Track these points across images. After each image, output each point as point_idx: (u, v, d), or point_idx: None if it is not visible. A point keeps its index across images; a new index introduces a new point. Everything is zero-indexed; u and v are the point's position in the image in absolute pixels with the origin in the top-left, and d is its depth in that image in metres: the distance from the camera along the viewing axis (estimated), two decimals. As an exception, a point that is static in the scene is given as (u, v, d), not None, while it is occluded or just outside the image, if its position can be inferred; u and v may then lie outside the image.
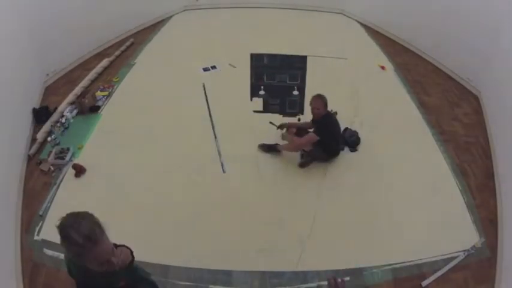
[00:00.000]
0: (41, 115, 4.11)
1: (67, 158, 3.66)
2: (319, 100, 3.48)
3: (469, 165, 3.78)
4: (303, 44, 5.70)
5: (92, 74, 4.84)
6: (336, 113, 3.95)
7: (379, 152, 3.88)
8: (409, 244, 3.06)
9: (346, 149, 3.89)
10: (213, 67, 5.10)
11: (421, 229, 3.17)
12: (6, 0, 3.69)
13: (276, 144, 3.77)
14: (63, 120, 4.08)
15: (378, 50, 5.70)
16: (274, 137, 3.91)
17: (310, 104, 3.55)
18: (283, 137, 3.78)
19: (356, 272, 2.86)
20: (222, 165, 3.68)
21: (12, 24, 3.81)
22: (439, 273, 2.84)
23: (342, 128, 3.99)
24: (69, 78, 4.86)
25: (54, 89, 4.67)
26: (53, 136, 3.89)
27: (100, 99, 4.47)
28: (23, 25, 4.04)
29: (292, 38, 5.85)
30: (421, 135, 4.12)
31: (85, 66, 5.10)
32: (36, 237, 3.03)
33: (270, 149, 3.78)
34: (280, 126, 3.87)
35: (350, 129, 4.02)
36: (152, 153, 3.78)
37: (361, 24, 6.40)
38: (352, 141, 3.90)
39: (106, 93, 4.59)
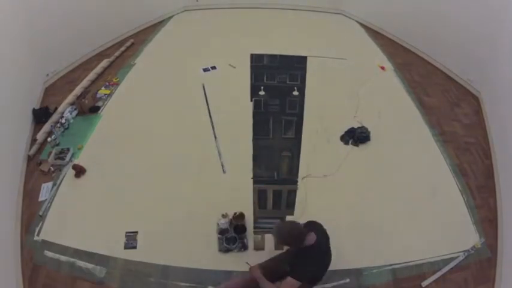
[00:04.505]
0: (40, 116, 4.11)
1: (67, 159, 3.66)
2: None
3: (469, 165, 3.78)
4: (303, 44, 5.69)
5: (91, 75, 4.84)
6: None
7: (378, 152, 3.88)
8: (409, 244, 3.06)
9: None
10: (213, 67, 5.10)
11: (421, 229, 3.17)
12: (6, 0, 3.70)
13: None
14: (63, 120, 4.08)
15: (378, 50, 5.69)
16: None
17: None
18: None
19: (356, 273, 2.86)
20: (222, 165, 3.69)
21: (12, 24, 3.81)
22: (439, 274, 2.84)
23: (347, 128, 4.05)
24: (69, 79, 4.86)
25: (54, 89, 4.67)
26: (53, 136, 3.89)
27: (101, 98, 4.48)
28: (23, 25, 4.04)
29: (292, 38, 5.85)
30: (421, 136, 4.12)
31: (85, 66, 5.09)
32: (36, 238, 3.03)
33: None
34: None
35: (364, 126, 4.09)
36: (152, 154, 3.78)
37: (361, 24, 6.39)
38: (362, 137, 3.96)
39: (108, 91, 4.60)
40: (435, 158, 3.84)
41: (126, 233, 3.06)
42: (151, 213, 3.25)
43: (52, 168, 3.59)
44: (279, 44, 5.64)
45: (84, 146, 3.85)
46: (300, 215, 3.24)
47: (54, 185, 3.45)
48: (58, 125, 4.04)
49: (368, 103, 4.52)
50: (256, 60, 5.29)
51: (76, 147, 3.82)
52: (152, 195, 3.39)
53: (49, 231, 3.09)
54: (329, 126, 4.17)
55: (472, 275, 2.87)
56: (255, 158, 3.80)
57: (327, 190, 3.49)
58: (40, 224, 3.14)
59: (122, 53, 5.41)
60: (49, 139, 3.87)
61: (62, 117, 4.14)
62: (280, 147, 3.94)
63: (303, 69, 5.12)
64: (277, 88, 4.77)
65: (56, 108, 4.25)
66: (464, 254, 2.98)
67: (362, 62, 5.32)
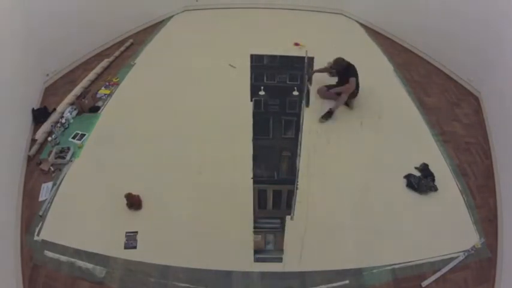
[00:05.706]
0: (39, 116, 4.10)
1: (67, 157, 3.67)
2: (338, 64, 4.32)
3: (469, 165, 3.78)
4: (303, 44, 5.69)
5: (91, 75, 4.84)
6: None
7: (378, 152, 3.88)
8: (409, 244, 3.06)
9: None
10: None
11: (421, 229, 3.17)
12: (7, 0, 3.70)
13: (330, 109, 4.26)
14: (63, 120, 4.08)
15: (378, 50, 5.70)
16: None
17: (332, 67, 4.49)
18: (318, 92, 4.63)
19: (356, 273, 2.86)
20: (222, 166, 3.69)
21: (13, 24, 3.82)
22: (439, 274, 2.84)
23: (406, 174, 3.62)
24: (69, 79, 4.86)
25: (54, 89, 4.67)
26: (53, 136, 3.89)
27: (101, 98, 4.48)
28: (23, 25, 4.04)
29: (293, 38, 5.84)
30: (421, 135, 4.12)
31: (85, 66, 5.10)
32: (36, 238, 3.03)
33: (329, 115, 4.25)
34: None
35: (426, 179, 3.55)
36: (152, 154, 3.78)
37: (361, 24, 6.40)
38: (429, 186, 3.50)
39: (108, 91, 4.60)
40: (435, 158, 3.84)
41: (126, 233, 3.06)
42: (151, 212, 3.25)
43: (52, 168, 3.59)
44: (279, 44, 5.64)
45: (84, 145, 3.86)
46: (297, 216, 3.24)
47: (54, 185, 3.45)
48: (58, 124, 4.04)
49: (368, 103, 4.52)
50: (256, 60, 5.29)
51: (77, 146, 3.83)
52: (152, 195, 3.38)
53: (49, 231, 3.09)
54: (329, 126, 4.17)
55: (472, 275, 2.87)
56: (255, 158, 3.80)
57: (327, 190, 3.49)
58: (40, 224, 3.14)
59: (121, 53, 5.41)
60: (49, 138, 3.87)
61: (62, 117, 4.14)
62: (280, 147, 3.94)
63: (303, 69, 5.12)
64: (277, 88, 4.77)
65: (54, 109, 4.25)
66: (464, 254, 2.98)
67: (362, 62, 5.31)
